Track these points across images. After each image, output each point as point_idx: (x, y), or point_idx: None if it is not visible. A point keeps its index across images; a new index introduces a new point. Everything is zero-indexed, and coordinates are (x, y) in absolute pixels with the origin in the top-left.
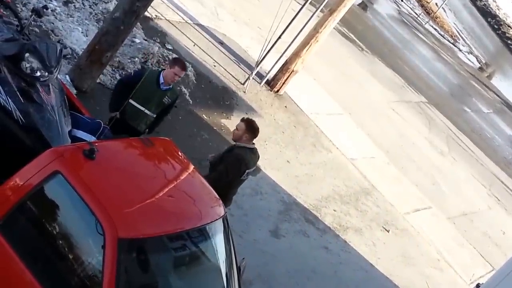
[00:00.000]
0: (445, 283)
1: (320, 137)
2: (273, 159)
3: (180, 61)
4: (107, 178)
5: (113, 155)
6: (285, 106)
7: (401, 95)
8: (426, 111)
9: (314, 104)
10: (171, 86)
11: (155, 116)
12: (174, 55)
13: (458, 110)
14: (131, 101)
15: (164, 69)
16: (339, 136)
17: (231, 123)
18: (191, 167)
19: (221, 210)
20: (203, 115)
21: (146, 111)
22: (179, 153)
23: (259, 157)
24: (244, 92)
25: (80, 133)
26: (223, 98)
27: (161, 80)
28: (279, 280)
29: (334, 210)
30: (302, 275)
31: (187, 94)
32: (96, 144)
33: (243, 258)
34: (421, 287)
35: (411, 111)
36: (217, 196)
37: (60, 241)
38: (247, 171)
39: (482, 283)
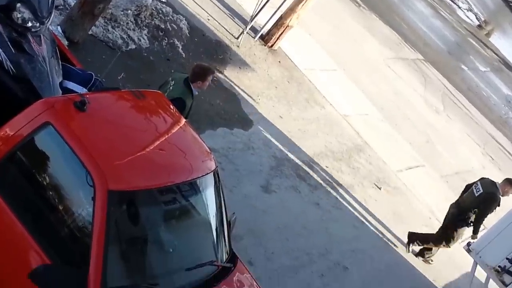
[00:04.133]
0: None
1: (314, 92)
2: (266, 114)
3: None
4: (98, 130)
5: (104, 107)
6: (279, 61)
7: (397, 52)
8: (422, 68)
9: (308, 60)
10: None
11: None
12: (168, 8)
13: (455, 68)
14: None
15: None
16: (333, 92)
17: (224, 77)
18: (182, 120)
19: (212, 164)
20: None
21: None
22: (170, 106)
23: None
24: (238, 46)
25: (71, 85)
26: (216, 52)
27: (195, 92)
28: (270, 235)
29: (326, 167)
30: (293, 231)
31: (180, 47)
32: (87, 96)
33: (234, 213)
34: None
35: (407, 69)
36: (208, 150)
37: (51, 192)
38: None
39: (473, 242)
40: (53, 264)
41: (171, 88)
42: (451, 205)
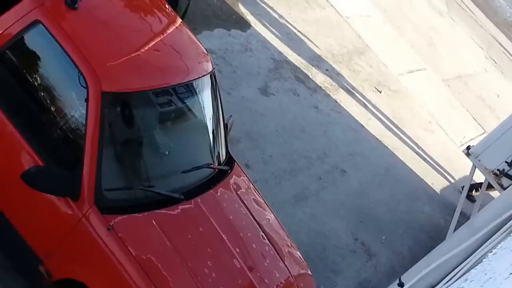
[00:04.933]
0: (435, 145)
1: None
2: (264, 15)
3: None
4: (91, 29)
5: (97, 5)
6: None
7: None
8: None
9: None
10: None
11: None
12: None
13: None
14: None
15: None
16: None
17: None
18: (179, 20)
19: (209, 65)
20: None
21: None
22: (166, 6)
23: None
24: None
25: None
26: None
27: None
28: (267, 138)
29: (326, 70)
30: (291, 134)
31: None
32: None
33: (231, 116)
34: (411, 150)
35: None
36: (204, 51)
37: (42, 94)
38: None
39: (473, 146)
40: (45, 166)
41: None
42: None
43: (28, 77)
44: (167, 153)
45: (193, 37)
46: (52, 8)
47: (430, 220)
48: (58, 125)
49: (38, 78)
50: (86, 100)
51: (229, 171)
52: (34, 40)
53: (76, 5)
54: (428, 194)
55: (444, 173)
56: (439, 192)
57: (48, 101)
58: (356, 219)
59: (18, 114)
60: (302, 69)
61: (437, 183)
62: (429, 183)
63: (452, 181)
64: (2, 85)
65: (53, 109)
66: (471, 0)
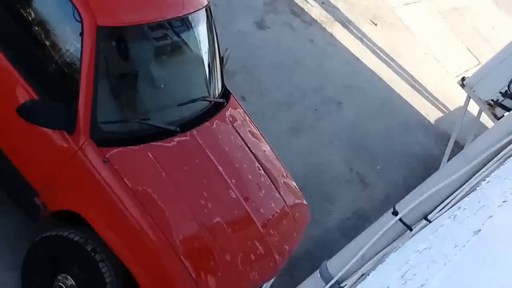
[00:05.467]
0: (431, 77)
1: None
2: None
3: None
4: None
5: None
6: None
7: None
8: None
9: None
10: None
11: None
12: None
13: None
14: None
15: None
16: None
17: None
18: None
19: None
20: None
21: None
22: None
23: None
24: None
25: None
26: None
27: None
28: (263, 71)
29: (322, 3)
30: (287, 67)
31: None
32: None
33: (227, 49)
34: (407, 82)
35: None
36: None
37: (36, 28)
38: None
39: (468, 77)
40: (41, 99)
41: None
42: None
43: (22, 11)
44: (162, 86)
45: None
46: None
47: (424, 150)
48: (53, 59)
49: (32, 13)
50: (81, 34)
51: (225, 104)
52: None
53: None
54: (423, 125)
55: (439, 105)
56: (434, 123)
57: (42, 36)
58: (352, 150)
59: (12, 49)
60: (297, 2)
61: (432, 115)
62: (424, 115)
63: (447, 112)
64: None
65: (48, 43)
66: None
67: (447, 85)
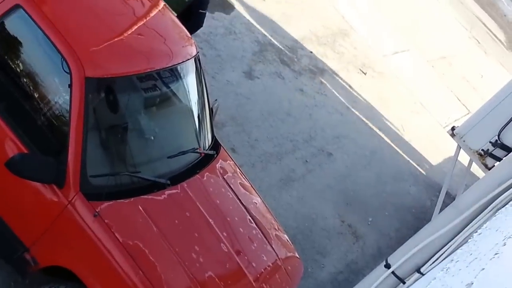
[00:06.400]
0: (420, 126)
1: None
2: None
3: None
4: (73, 14)
5: None
6: None
7: None
8: None
9: None
10: None
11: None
12: None
13: None
14: None
15: None
16: None
17: None
18: (162, 3)
19: (193, 49)
20: None
21: None
22: None
23: None
24: None
25: None
26: None
27: None
28: (253, 122)
29: (311, 52)
30: (276, 117)
31: None
32: None
33: (216, 100)
34: (397, 131)
35: None
36: (188, 34)
37: (25, 80)
38: None
39: (457, 126)
40: (30, 153)
41: None
42: None
43: (10, 62)
44: (152, 138)
45: (177, 20)
46: None
47: (416, 201)
48: (41, 111)
49: (20, 64)
50: (70, 85)
51: (215, 156)
52: (15, 25)
53: None
54: (414, 175)
55: (430, 154)
56: (424, 173)
57: (31, 87)
58: (343, 202)
59: (0, 101)
60: (287, 52)
61: (423, 164)
62: (415, 165)
63: (438, 161)
64: None
65: (36, 95)
66: None
67: (437, 134)
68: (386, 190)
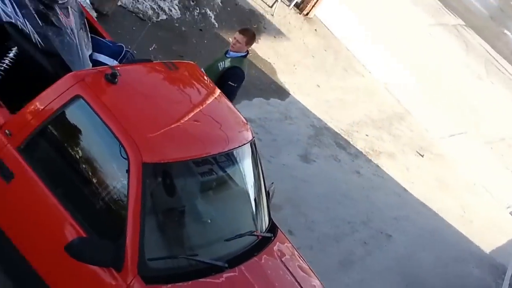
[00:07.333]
0: (481, 208)
1: (352, 61)
2: (303, 84)
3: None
4: (130, 102)
5: (136, 79)
6: (315, 30)
7: (437, 18)
8: (464, 34)
9: (345, 28)
10: (235, 55)
11: None
12: None
13: (498, 33)
14: None
15: None
16: (372, 60)
17: (259, 46)
18: (217, 91)
19: (248, 134)
20: (230, 39)
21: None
22: (205, 77)
23: None
24: (272, 15)
25: (102, 57)
26: (250, 21)
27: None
28: (310, 204)
29: (366, 135)
30: (333, 199)
31: (213, 17)
32: (118, 68)
33: (272, 183)
34: (457, 212)
35: (448, 35)
36: (244, 120)
37: (84, 166)
38: None
39: None
40: (88, 237)
41: (221, 64)
42: None
43: (70, 150)
44: (209, 221)
45: (232, 107)
46: (92, 83)
47: (480, 283)
48: (100, 196)
49: (79, 151)
50: (128, 171)
51: (272, 238)
52: (75, 114)
53: (116, 80)
54: (476, 257)
55: (492, 235)
56: (487, 254)
57: (90, 173)
58: (404, 284)
59: (60, 186)
60: (342, 135)
61: (485, 245)
62: (477, 245)
63: (502, 242)
64: (44, 159)
65: (95, 180)
66: (510, 64)
67: (499, 215)
68: (448, 272)
